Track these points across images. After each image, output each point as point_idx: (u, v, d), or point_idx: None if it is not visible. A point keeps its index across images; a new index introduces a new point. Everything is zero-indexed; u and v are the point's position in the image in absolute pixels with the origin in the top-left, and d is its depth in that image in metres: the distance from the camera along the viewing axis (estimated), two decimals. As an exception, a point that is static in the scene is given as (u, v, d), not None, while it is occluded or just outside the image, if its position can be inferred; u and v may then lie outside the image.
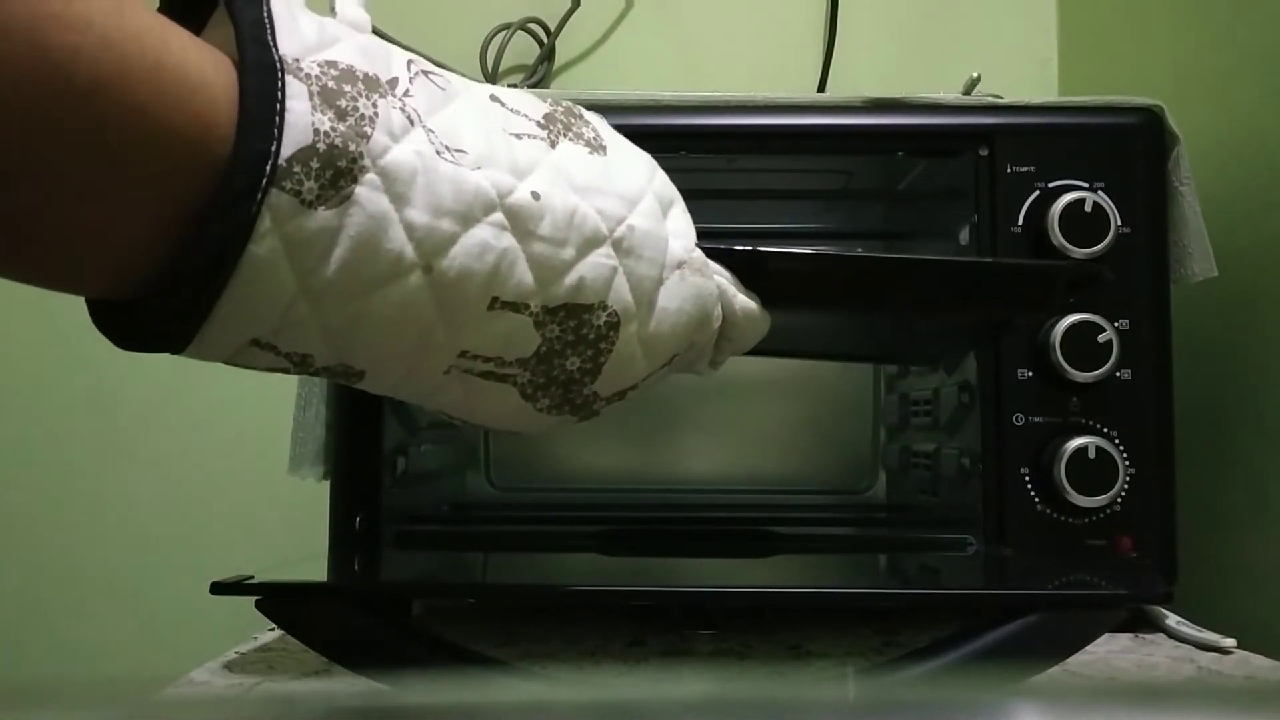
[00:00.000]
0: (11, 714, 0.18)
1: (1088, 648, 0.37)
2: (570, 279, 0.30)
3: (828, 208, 0.76)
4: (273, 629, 0.48)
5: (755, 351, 0.40)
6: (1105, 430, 0.52)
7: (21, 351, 0.86)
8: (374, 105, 0.27)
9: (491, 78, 0.84)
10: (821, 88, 0.86)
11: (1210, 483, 0.61)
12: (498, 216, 0.29)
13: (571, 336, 0.31)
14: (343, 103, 0.26)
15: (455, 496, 0.74)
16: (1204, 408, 0.60)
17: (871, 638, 0.50)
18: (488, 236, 0.29)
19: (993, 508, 0.52)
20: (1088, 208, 0.52)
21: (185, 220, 0.25)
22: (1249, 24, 0.60)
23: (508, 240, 0.29)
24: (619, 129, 0.44)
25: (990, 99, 0.57)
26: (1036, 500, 0.52)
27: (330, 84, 0.26)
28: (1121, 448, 0.52)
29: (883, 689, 0.34)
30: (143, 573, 0.85)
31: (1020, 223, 0.53)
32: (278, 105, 0.25)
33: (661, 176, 0.35)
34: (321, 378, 0.32)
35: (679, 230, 0.34)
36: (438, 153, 0.28)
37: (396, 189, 0.27)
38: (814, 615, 0.54)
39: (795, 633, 0.51)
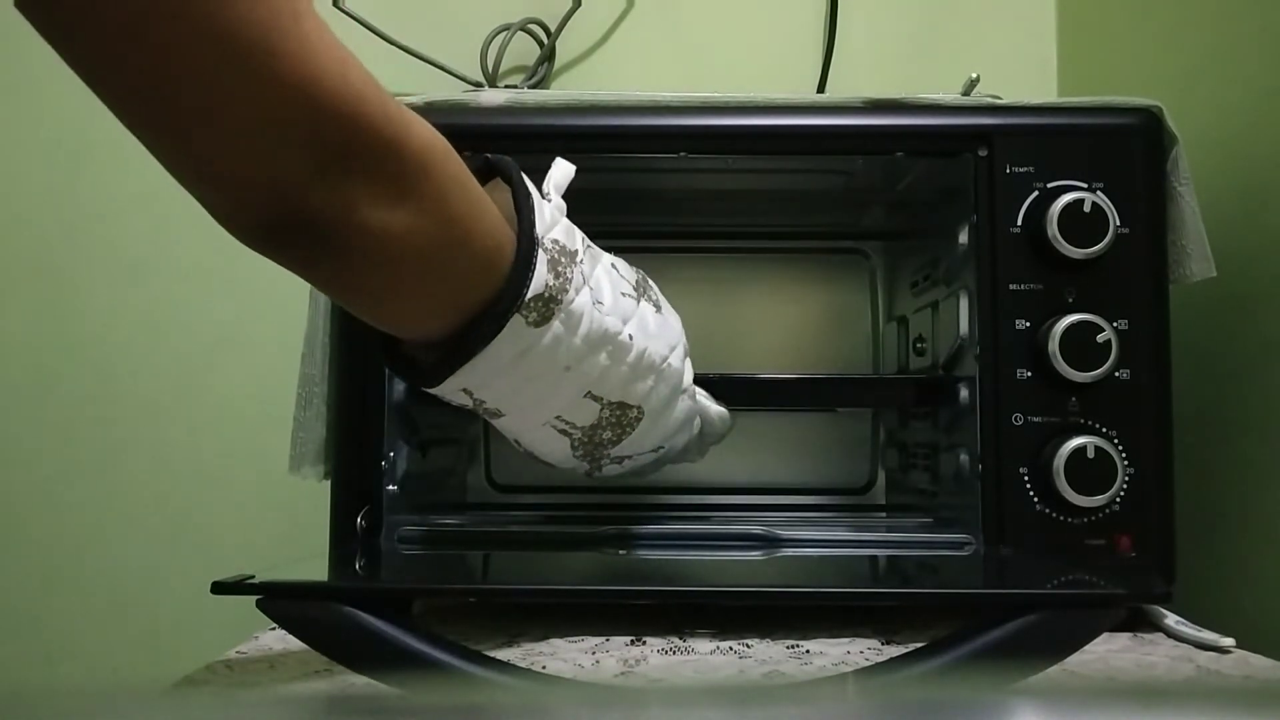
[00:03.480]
0: (12, 715, 0.18)
1: (1086, 647, 0.37)
2: (629, 389, 0.47)
3: (827, 208, 0.76)
4: (273, 628, 0.48)
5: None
6: (1104, 430, 0.52)
7: (24, 353, 0.86)
8: (570, 271, 0.43)
9: (492, 79, 0.84)
10: (821, 88, 0.86)
11: (1209, 482, 0.61)
12: (610, 348, 0.45)
13: (614, 420, 0.48)
14: (559, 269, 0.43)
15: (456, 496, 0.74)
16: (1202, 407, 0.61)
17: (871, 637, 0.50)
18: (601, 359, 0.45)
19: (992, 507, 0.53)
20: (1087, 208, 0.52)
21: (462, 311, 0.41)
22: (1248, 24, 0.60)
23: (608, 361, 0.45)
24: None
25: (989, 99, 0.57)
26: (1035, 500, 0.52)
27: (555, 255, 0.43)
28: (1120, 447, 0.52)
29: (882, 688, 0.35)
30: (143, 573, 0.85)
31: (1019, 223, 0.53)
32: (532, 265, 0.42)
33: (684, 334, 0.52)
34: (478, 412, 0.47)
35: (688, 367, 0.51)
36: (592, 303, 0.44)
37: (570, 323, 0.43)
38: (814, 615, 0.54)
39: (795, 632, 0.51)
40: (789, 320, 0.79)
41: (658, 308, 0.50)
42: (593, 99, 0.57)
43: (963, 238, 0.57)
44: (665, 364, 0.48)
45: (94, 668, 0.84)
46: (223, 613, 0.45)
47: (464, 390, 0.44)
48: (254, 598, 0.37)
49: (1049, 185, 0.53)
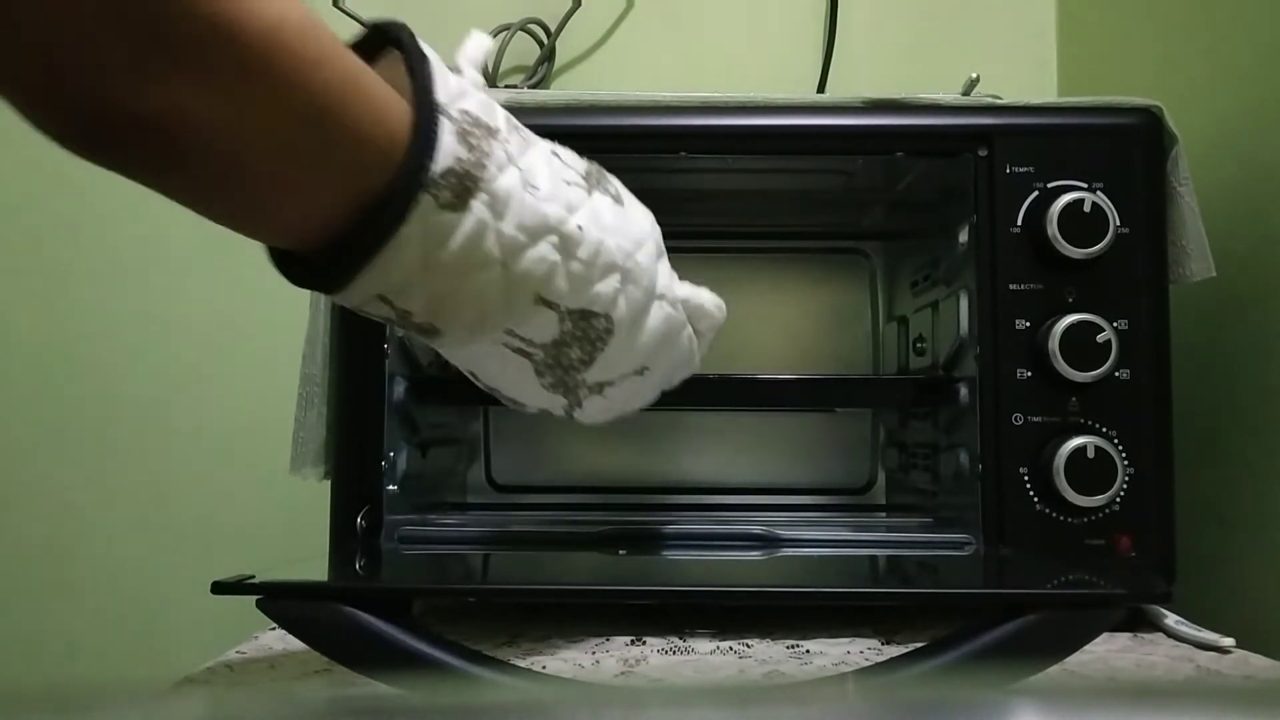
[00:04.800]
0: (12, 714, 0.18)
1: (1086, 647, 0.37)
2: (590, 292, 0.41)
3: (827, 208, 0.76)
4: (273, 628, 0.48)
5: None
6: (1104, 430, 0.52)
7: (24, 352, 0.86)
8: (488, 146, 0.38)
9: (491, 79, 0.84)
10: (821, 88, 0.86)
11: (1209, 482, 0.61)
12: (554, 239, 0.40)
13: (579, 333, 0.42)
14: (471, 140, 0.37)
15: (456, 496, 0.74)
16: (1202, 407, 0.61)
17: (871, 637, 0.50)
18: (545, 251, 0.39)
19: (992, 507, 0.53)
20: (1087, 208, 0.52)
21: (357, 204, 0.36)
22: (1248, 25, 0.60)
23: (556, 256, 0.40)
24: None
25: (989, 99, 0.57)
26: (1035, 500, 0.52)
27: (465, 126, 0.37)
28: (1120, 447, 0.52)
29: (882, 688, 0.35)
30: (143, 573, 0.85)
31: (1019, 223, 0.53)
32: (434, 135, 0.36)
33: (658, 231, 0.46)
34: (410, 333, 0.41)
35: (664, 271, 0.45)
36: (523, 186, 0.39)
37: (496, 207, 0.38)
38: (814, 615, 0.54)
39: (795, 632, 0.51)
40: (789, 320, 0.79)
41: (617, 201, 0.44)
42: (593, 99, 0.57)
43: (963, 238, 0.57)
44: (631, 262, 0.42)
45: (94, 668, 0.84)
46: (223, 613, 0.45)
47: (381, 299, 0.38)
48: (254, 598, 0.37)
49: (1049, 185, 0.53)
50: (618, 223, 0.42)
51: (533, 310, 0.40)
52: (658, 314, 0.44)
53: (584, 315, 0.41)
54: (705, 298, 0.48)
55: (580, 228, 0.40)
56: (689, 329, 0.47)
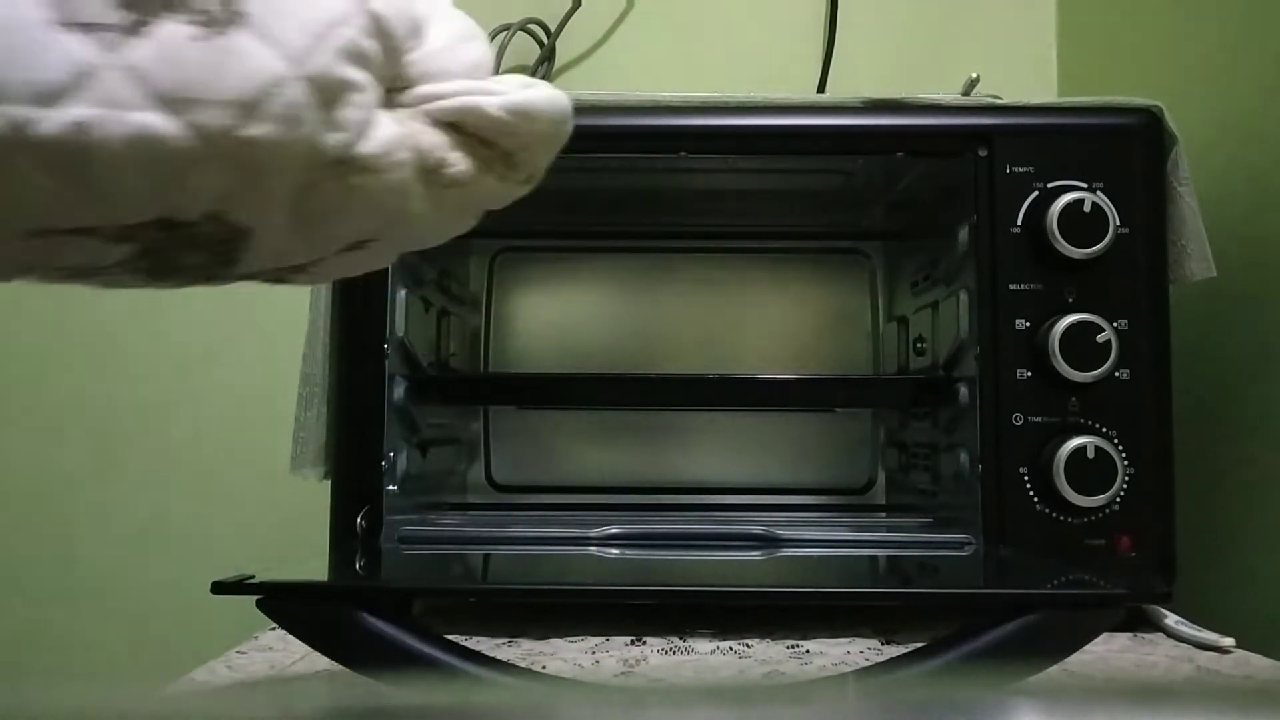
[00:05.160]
0: (12, 714, 0.18)
1: (1087, 647, 0.37)
2: (150, 205, 0.25)
3: (827, 208, 0.76)
4: (274, 628, 0.48)
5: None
6: (1104, 430, 0.52)
7: (23, 352, 0.86)
8: None
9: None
10: (821, 88, 0.86)
11: (1208, 482, 0.61)
12: (14, 159, 0.23)
13: (180, 242, 0.27)
14: None
15: (456, 496, 0.74)
16: (1202, 407, 0.61)
17: (871, 637, 0.50)
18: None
19: (992, 507, 0.53)
20: (1086, 208, 0.52)
21: None
22: (1248, 25, 0.60)
23: (37, 180, 0.24)
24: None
25: (989, 99, 0.57)
26: (1035, 500, 0.52)
27: None
28: (1120, 447, 0.52)
29: (882, 688, 0.35)
30: (143, 573, 0.85)
31: (1019, 223, 0.53)
32: None
33: (349, 34, 0.26)
34: None
35: (352, 121, 0.26)
36: None
37: None
38: (814, 615, 0.54)
39: (795, 632, 0.51)
40: (789, 320, 0.79)
41: (214, 26, 0.24)
42: (593, 99, 0.57)
43: (962, 238, 0.57)
44: (233, 142, 0.24)
45: (94, 668, 0.84)
46: (223, 613, 0.45)
47: None
48: (254, 598, 0.37)
49: (1049, 185, 0.53)
50: (196, 80, 0.24)
51: (44, 245, 0.25)
52: (333, 190, 0.27)
53: (164, 225, 0.26)
54: (494, 106, 0.28)
55: (81, 125, 0.23)
56: (457, 167, 0.28)
